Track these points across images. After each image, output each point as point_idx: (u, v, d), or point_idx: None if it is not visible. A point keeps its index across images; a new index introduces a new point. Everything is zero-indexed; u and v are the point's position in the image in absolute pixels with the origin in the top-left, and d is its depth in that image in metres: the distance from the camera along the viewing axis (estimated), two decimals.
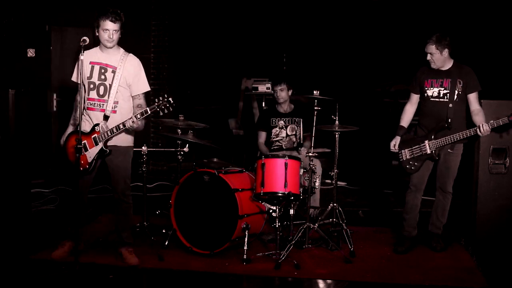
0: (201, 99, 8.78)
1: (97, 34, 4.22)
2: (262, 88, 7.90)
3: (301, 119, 5.44)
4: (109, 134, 4.17)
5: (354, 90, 8.60)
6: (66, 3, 7.69)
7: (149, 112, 4.07)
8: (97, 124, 4.21)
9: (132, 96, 4.32)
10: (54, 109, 7.84)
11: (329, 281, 4.11)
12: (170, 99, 4.03)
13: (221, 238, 4.47)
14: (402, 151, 4.65)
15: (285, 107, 5.48)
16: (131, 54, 4.34)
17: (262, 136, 5.51)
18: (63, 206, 4.33)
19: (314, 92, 4.67)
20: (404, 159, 4.64)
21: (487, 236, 4.71)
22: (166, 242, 4.64)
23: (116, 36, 4.19)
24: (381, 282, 4.06)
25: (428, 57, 4.49)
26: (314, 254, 4.61)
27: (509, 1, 6.80)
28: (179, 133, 4.98)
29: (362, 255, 4.60)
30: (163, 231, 4.84)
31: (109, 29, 4.14)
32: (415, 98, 4.73)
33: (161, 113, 4.08)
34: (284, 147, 5.41)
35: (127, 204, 4.39)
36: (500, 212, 4.70)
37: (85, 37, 4.04)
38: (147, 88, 4.36)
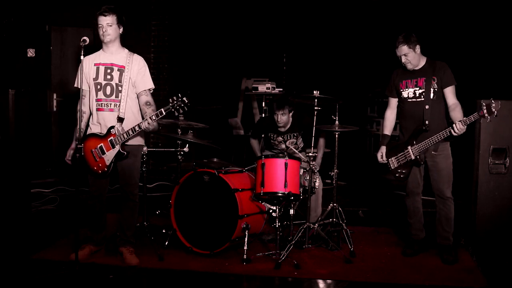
0: (201, 99, 8.78)
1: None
2: (262, 88, 7.90)
3: (301, 132, 5.27)
4: (126, 136, 4.17)
5: (354, 90, 8.61)
6: (66, 3, 7.70)
7: (164, 113, 4.06)
8: (113, 127, 4.20)
9: (138, 94, 4.33)
10: (54, 109, 7.85)
11: (329, 281, 4.11)
12: (185, 98, 4.04)
13: (221, 238, 4.47)
14: (389, 160, 4.58)
15: (283, 125, 5.26)
16: (135, 54, 4.35)
17: (255, 142, 5.50)
18: (78, 210, 4.34)
19: (314, 92, 4.66)
20: (393, 167, 4.56)
21: (487, 236, 4.70)
22: (166, 242, 4.64)
23: (111, 31, 4.18)
24: (381, 282, 4.06)
25: (403, 59, 4.40)
26: (314, 254, 4.61)
27: (509, 2, 6.80)
28: (179, 133, 4.98)
29: (362, 255, 4.60)
30: (163, 231, 4.84)
31: (102, 23, 4.16)
32: (393, 102, 4.65)
33: (176, 113, 4.12)
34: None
35: (134, 203, 4.41)
36: (500, 212, 4.69)
37: (85, 37, 4.05)
38: (151, 84, 4.37)
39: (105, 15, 4.15)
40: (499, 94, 4.22)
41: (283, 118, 5.18)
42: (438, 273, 4.22)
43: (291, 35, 8.87)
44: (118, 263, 4.31)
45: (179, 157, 5.02)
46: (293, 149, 4.68)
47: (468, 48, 7.17)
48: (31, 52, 7.61)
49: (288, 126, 5.28)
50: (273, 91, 7.83)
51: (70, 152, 4.39)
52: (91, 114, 4.33)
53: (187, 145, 5.00)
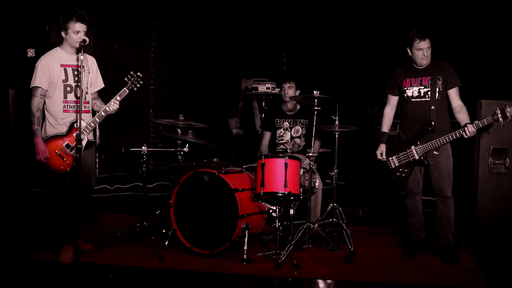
0: (201, 99, 8.79)
1: (63, 35, 4.28)
2: (262, 88, 7.91)
3: (307, 120, 5.30)
4: (93, 124, 4.25)
5: (354, 90, 8.62)
6: (66, 3, 7.69)
7: (128, 91, 4.29)
8: (74, 122, 4.21)
9: (91, 92, 4.45)
10: None
11: (329, 281, 4.12)
12: (139, 73, 4.31)
13: (221, 238, 4.47)
14: (390, 158, 4.57)
15: (291, 107, 5.35)
16: (86, 54, 4.39)
17: (266, 136, 5.47)
18: (58, 211, 4.35)
19: (314, 92, 4.66)
20: (393, 166, 4.55)
21: (487, 236, 4.70)
22: (166, 242, 4.64)
23: (84, 37, 4.24)
24: (381, 282, 4.07)
25: (425, 53, 4.34)
26: (314, 254, 4.61)
27: (510, 2, 6.81)
28: (179, 133, 4.98)
29: (362, 255, 4.60)
30: (163, 231, 4.84)
31: (81, 30, 4.23)
32: (393, 100, 4.63)
33: (135, 89, 4.32)
34: (289, 151, 5.30)
35: (92, 198, 4.54)
36: (500, 212, 4.69)
37: (85, 37, 4.06)
38: (103, 84, 4.54)
39: (84, 23, 4.23)
40: (499, 94, 4.22)
41: (290, 91, 5.28)
42: (438, 273, 4.22)
43: (291, 35, 8.88)
44: (118, 263, 4.31)
45: (179, 157, 5.03)
46: (291, 154, 4.71)
47: (467, 48, 7.18)
48: (31, 52, 7.59)
49: (296, 110, 5.37)
50: (273, 91, 7.84)
51: (44, 149, 4.21)
52: (47, 115, 4.29)
53: (187, 145, 5.01)
